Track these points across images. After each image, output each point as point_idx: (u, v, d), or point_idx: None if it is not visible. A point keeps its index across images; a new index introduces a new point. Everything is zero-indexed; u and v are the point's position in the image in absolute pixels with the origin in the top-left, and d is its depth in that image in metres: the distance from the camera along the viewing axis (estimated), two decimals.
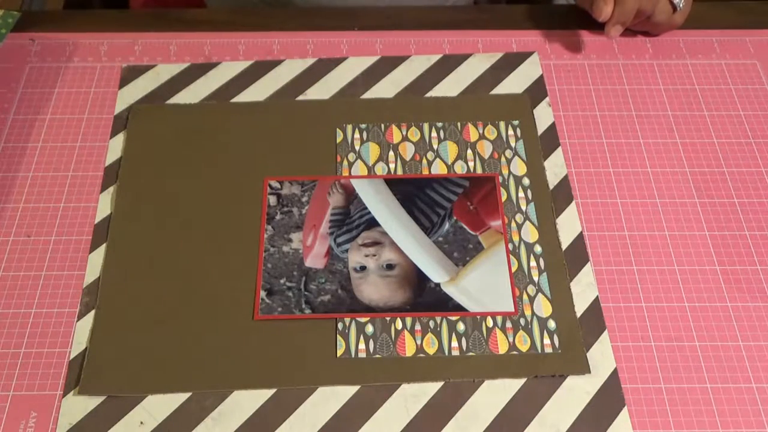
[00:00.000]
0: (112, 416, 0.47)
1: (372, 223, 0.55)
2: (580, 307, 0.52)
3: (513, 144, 0.60)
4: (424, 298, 0.52)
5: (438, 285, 0.52)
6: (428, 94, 0.63)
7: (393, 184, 0.57)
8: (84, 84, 0.64)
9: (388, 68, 0.65)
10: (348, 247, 0.54)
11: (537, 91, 0.64)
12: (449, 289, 0.52)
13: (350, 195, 0.57)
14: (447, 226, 0.55)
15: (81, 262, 0.54)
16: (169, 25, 0.68)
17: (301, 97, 0.63)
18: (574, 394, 0.48)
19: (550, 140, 0.60)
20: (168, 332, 0.50)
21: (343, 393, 0.48)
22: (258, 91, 0.63)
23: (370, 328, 0.50)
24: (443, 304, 0.51)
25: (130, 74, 0.65)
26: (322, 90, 0.63)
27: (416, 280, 0.52)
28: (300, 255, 0.54)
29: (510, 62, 0.66)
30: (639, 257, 0.54)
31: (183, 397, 0.48)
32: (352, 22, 0.67)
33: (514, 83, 0.64)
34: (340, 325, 0.50)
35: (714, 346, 0.50)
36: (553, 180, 0.58)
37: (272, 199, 0.56)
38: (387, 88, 0.64)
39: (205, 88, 0.64)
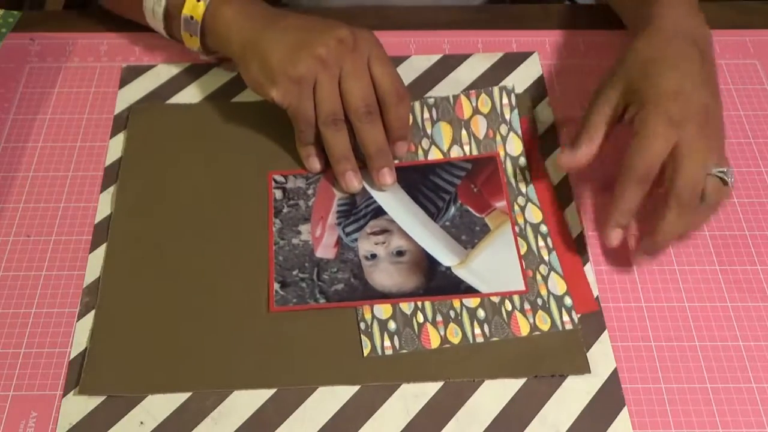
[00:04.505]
0: (112, 416, 0.47)
1: (379, 212, 0.55)
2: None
3: (507, 116, 0.59)
4: (436, 282, 0.52)
5: (449, 268, 0.53)
6: (428, 94, 0.63)
7: (396, 171, 0.57)
8: (84, 84, 0.64)
9: None
10: (357, 237, 0.54)
11: (537, 91, 0.64)
12: (460, 272, 0.52)
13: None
14: (453, 210, 0.55)
15: (81, 262, 0.54)
16: None
17: None
18: (574, 394, 0.48)
19: (550, 140, 0.60)
20: (171, 331, 0.50)
21: (343, 393, 0.48)
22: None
23: (392, 325, 0.50)
24: (455, 286, 0.52)
25: (130, 74, 0.65)
26: None
27: (427, 264, 0.53)
28: (310, 246, 0.54)
29: (510, 62, 0.66)
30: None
31: (183, 396, 0.48)
32: (352, 23, 0.66)
33: (514, 83, 0.64)
34: (362, 325, 0.50)
35: (714, 346, 0.50)
36: (553, 180, 0.58)
37: (278, 193, 0.57)
38: None
39: (205, 88, 0.64)
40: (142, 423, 0.47)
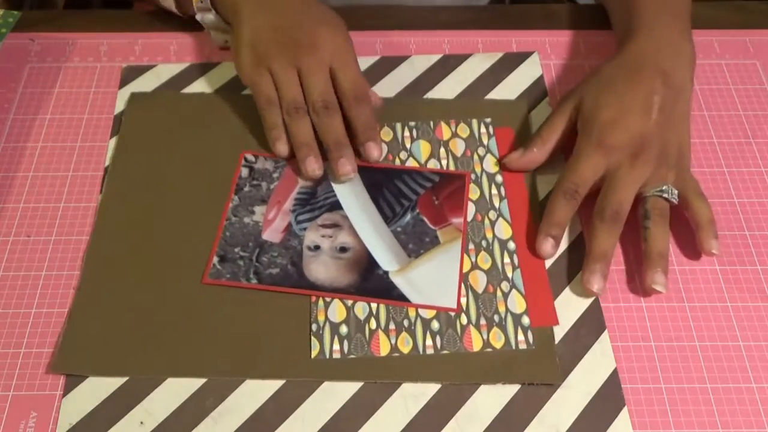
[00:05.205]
0: (112, 416, 0.47)
1: (335, 206, 0.56)
2: (580, 307, 0.52)
3: (485, 141, 0.60)
4: (370, 284, 0.52)
5: (386, 273, 0.53)
6: (428, 94, 0.63)
7: (364, 171, 0.58)
8: (84, 84, 0.64)
9: (388, 68, 0.65)
10: (307, 226, 0.55)
11: (537, 91, 0.64)
12: (396, 279, 0.52)
13: (320, 177, 0.57)
14: (408, 217, 0.56)
15: (81, 262, 0.54)
16: (169, 25, 0.68)
17: None
18: (574, 394, 0.48)
19: None
20: (144, 314, 0.51)
21: (343, 392, 0.48)
22: None
23: (344, 329, 0.50)
24: (387, 291, 0.52)
25: (130, 74, 0.65)
26: None
27: (366, 265, 0.53)
28: (259, 227, 0.55)
29: (510, 62, 0.66)
30: (639, 257, 0.54)
31: (183, 396, 0.48)
32: (352, 22, 0.66)
33: (515, 83, 0.64)
34: (314, 327, 0.50)
35: (714, 346, 0.50)
36: (552, 180, 0.58)
37: (245, 171, 0.58)
38: (387, 88, 0.64)
39: (205, 88, 0.64)
40: (142, 423, 0.47)
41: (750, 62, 0.67)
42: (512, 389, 0.48)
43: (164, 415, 0.47)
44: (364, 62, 0.65)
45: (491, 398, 0.48)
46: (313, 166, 0.56)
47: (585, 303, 0.52)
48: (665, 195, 0.53)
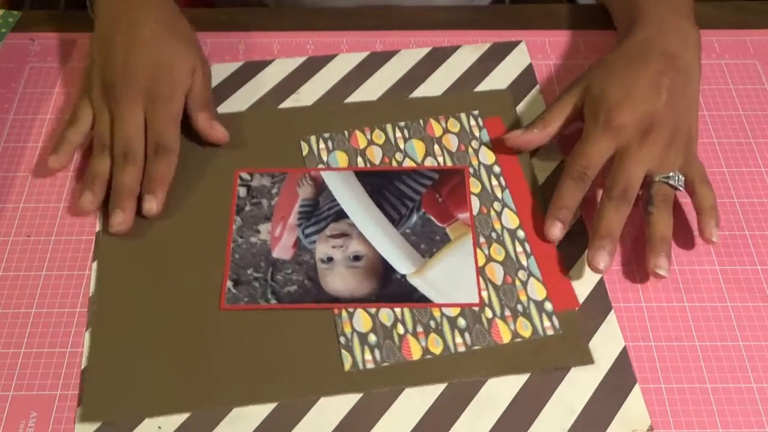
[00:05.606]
0: (130, 423, 0.46)
1: (340, 215, 0.55)
2: (585, 288, 0.52)
3: (477, 134, 0.60)
4: (390, 289, 0.52)
5: (404, 276, 0.52)
6: (418, 88, 0.63)
7: (362, 176, 0.57)
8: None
9: (379, 64, 0.65)
10: (316, 239, 0.54)
11: (526, 80, 0.64)
12: (415, 281, 0.52)
13: (320, 187, 0.57)
14: (415, 218, 0.55)
15: (81, 262, 0.54)
16: None
17: (293, 96, 0.63)
18: (586, 374, 0.48)
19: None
20: (162, 347, 0.49)
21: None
22: (250, 91, 0.63)
23: (373, 338, 0.50)
24: (408, 295, 0.52)
25: None
26: (314, 88, 0.63)
27: (382, 271, 0.53)
28: (267, 246, 0.54)
29: (498, 52, 0.66)
30: (639, 257, 0.54)
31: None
32: (352, 23, 0.66)
33: (504, 73, 0.64)
34: (342, 339, 0.50)
35: (714, 346, 0.50)
36: (549, 167, 0.58)
37: (242, 191, 0.57)
38: (379, 83, 0.64)
39: None
40: (159, 428, 0.46)
41: (750, 62, 0.67)
42: (525, 374, 0.48)
43: (181, 420, 0.47)
44: (355, 59, 0.65)
45: (505, 384, 0.48)
46: (83, 199, 0.54)
47: (590, 284, 0.52)
48: (671, 182, 0.53)
